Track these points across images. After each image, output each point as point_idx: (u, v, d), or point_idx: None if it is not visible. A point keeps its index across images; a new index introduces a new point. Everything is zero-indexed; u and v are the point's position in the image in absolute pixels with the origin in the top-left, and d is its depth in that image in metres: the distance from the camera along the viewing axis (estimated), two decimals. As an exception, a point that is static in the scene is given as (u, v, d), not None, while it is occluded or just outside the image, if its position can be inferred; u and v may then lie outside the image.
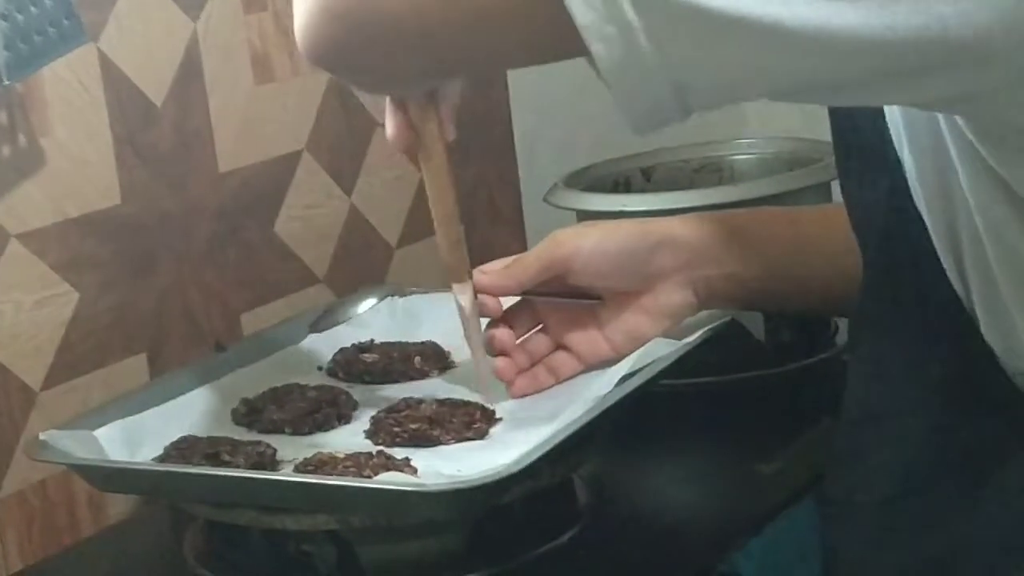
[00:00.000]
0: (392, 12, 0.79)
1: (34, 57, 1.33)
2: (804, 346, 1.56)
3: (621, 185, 1.70)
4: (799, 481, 1.33)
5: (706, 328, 1.34)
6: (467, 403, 1.30)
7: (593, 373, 1.30)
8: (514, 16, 0.77)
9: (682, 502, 1.35)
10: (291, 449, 1.25)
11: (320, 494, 1.15)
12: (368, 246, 1.74)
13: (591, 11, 0.74)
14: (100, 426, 1.26)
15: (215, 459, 1.21)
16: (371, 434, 1.28)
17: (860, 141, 0.98)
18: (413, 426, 1.26)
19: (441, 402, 1.30)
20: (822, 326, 1.61)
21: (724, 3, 0.73)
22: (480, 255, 1.86)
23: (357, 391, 1.37)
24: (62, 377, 1.41)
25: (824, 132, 1.07)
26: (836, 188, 1.12)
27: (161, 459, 1.24)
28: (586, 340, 1.28)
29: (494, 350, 1.29)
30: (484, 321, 1.31)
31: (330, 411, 1.32)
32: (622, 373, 1.26)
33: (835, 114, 1.01)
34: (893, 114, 0.94)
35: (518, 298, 1.32)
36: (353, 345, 1.45)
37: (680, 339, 1.31)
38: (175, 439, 1.26)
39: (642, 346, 1.27)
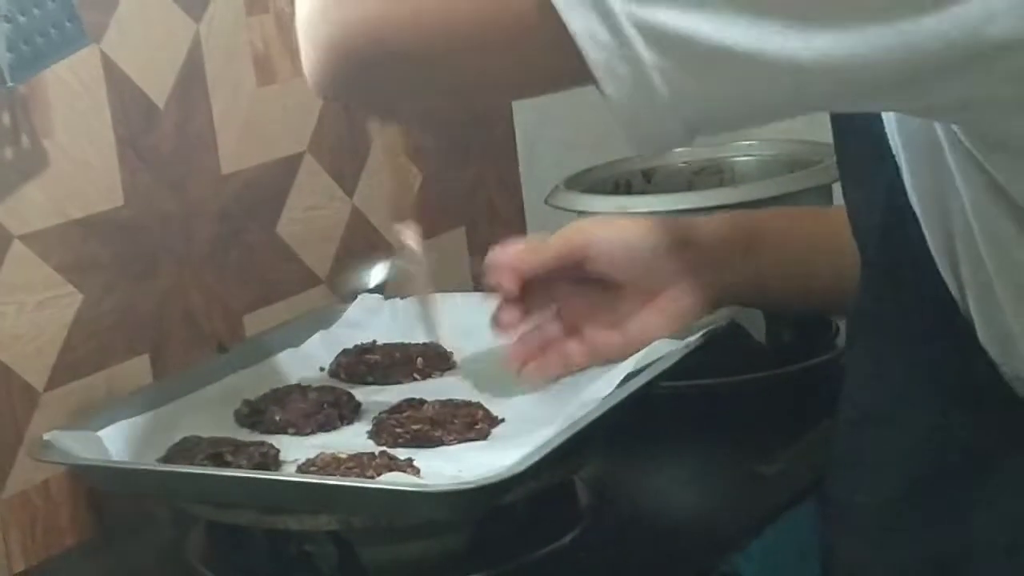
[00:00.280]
0: (398, 48, 0.78)
1: (37, 59, 1.33)
2: (804, 348, 1.56)
3: (622, 187, 1.70)
4: (800, 482, 1.33)
5: (707, 329, 1.34)
6: (469, 404, 1.30)
7: (594, 374, 1.30)
8: (518, 51, 0.76)
9: (683, 503, 1.36)
10: (293, 450, 1.25)
11: (323, 494, 1.15)
12: (370, 247, 1.74)
13: (603, 50, 0.74)
14: (103, 427, 1.26)
15: (218, 460, 1.22)
16: (373, 435, 1.28)
17: (858, 141, 0.98)
18: (415, 427, 1.26)
19: (443, 403, 1.31)
20: (822, 328, 1.61)
21: (741, 41, 0.73)
22: (481, 255, 1.87)
23: (359, 392, 1.37)
24: (65, 378, 1.41)
25: (825, 134, 1.07)
26: (837, 190, 1.13)
27: (164, 460, 1.24)
28: (600, 331, 1.26)
29: (498, 328, 1.27)
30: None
31: (332, 412, 1.32)
32: (623, 374, 1.26)
33: (835, 115, 1.01)
34: (889, 115, 0.95)
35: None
36: (355, 346, 1.46)
37: (681, 340, 1.32)
38: (178, 440, 1.26)
39: (650, 343, 1.27)
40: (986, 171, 0.85)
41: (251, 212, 1.60)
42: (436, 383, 1.40)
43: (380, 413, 1.31)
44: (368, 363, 1.43)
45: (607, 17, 0.71)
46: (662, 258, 1.24)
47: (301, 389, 1.36)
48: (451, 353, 1.45)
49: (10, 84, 1.31)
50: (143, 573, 1.37)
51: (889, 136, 0.95)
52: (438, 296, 1.33)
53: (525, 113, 1.93)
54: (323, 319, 1.51)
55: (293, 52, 1.63)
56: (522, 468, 1.11)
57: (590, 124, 1.97)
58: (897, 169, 0.95)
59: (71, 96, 1.41)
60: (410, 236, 1.26)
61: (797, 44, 0.73)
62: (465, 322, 1.49)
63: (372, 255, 1.41)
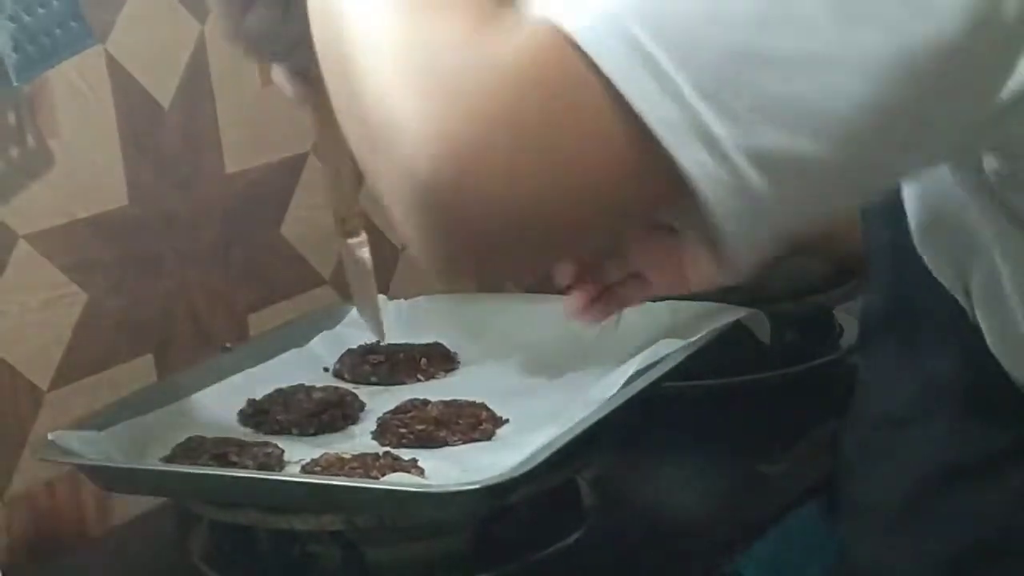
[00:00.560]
0: (519, 220, 0.70)
1: (42, 59, 1.33)
2: (808, 348, 1.56)
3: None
4: (803, 483, 1.33)
5: (711, 330, 1.34)
6: (473, 404, 1.30)
7: (598, 374, 1.30)
8: (624, 192, 0.70)
9: (686, 504, 1.36)
10: (298, 450, 1.25)
11: (327, 495, 1.15)
12: (375, 248, 1.74)
13: (715, 183, 0.68)
14: (107, 426, 1.26)
15: (222, 460, 1.22)
16: (378, 435, 1.28)
17: None
18: (419, 427, 1.26)
19: (447, 403, 1.31)
20: (826, 328, 1.61)
21: (834, 148, 0.69)
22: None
23: (363, 392, 1.37)
24: (69, 377, 1.41)
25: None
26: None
27: (168, 460, 1.24)
28: (666, 269, 1.21)
29: (561, 283, 1.23)
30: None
31: (336, 412, 1.32)
32: (628, 375, 1.26)
33: None
34: None
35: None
36: (359, 346, 1.46)
37: (685, 340, 1.32)
38: (182, 440, 1.26)
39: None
40: (1000, 194, 0.84)
41: (255, 212, 1.60)
42: (440, 383, 1.40)
43: (384, 414, 1.31)
44: (372, 363, 1.43)
45: (714, 146, 0.67)
46: None
47: (305, 389, 1.36)
48: (455, 353, 1.45)
49: (15, 84, 1.31)
50: (147, 573, 1.37)
51: None
52: (381, 296, 1.31)
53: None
54: (327, 319, 1.51)
55: (298, 52, 1.63)
56: (526, 469, 1.11)
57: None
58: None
59: (76, 96, 1.41)
60: (365, 252, 1.23)
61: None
62: (469, 322, 1.49)
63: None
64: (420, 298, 1.55)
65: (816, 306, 1.55)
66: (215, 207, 1.56)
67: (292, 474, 1.21)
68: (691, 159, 0.67)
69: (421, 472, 1.18)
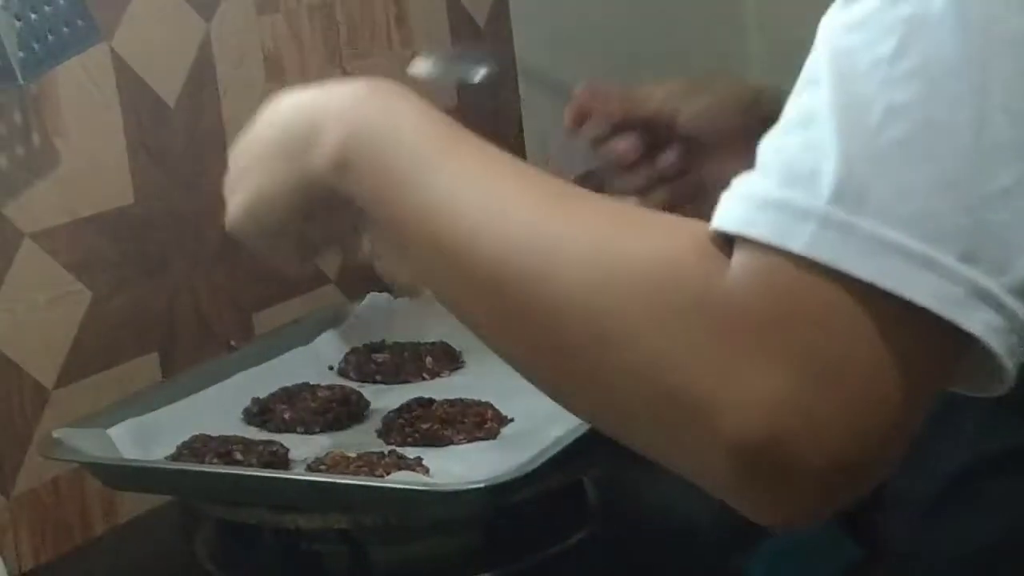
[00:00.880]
0: (833, 464, 0.65)
1: (48, 57, 1.33)
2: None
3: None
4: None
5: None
6: (478, 403, 1.30)
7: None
8: (924, 393, 0.68)
9: (691, 503, 1.35)
10: (303, 448, 1.25)
11: (332, 493, 1.15)
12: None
13: (1002, 338, 0.65)
14: (112, 425, 1.27)
15: (227, 458, 1.22)
16: (383, 434, 1.28)
17: None
18: (425, 426, 1.27)
19: (452, 402, 1.31)
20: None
21: None
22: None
23: (368, 391, 1.37)
24: (75, 376, 1.41)
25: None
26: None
27: (173, 458, 1.24)
28: (724, 170, 1.19)
29: (618, 163, 1.20)
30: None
31: (341, 411, 1.32)
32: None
33: None
34: None
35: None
36: (364, 345, 1.46)
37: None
38: (187, 438, 1.26)
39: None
40: None
41: (261, 211, 1.60)
42: (445, 382, 1.40)
43: (389, 412, 1.31)
44: (377, 362, 1.43)
45: (989, 300, 0.64)
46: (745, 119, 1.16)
47: (310, 388, 1.36)
48: (460, 352, 1.45)
49: (21, 82, 1.31)
50: (152, 571, 1.37)
51: None
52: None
53: (535, 114, 1.93)
54: (332, 318, 1.52)
55: (303, 51, 1.63)
56: (531, 468, 1.11)
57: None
58: None
59: (82, 94, 1.42)
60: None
61: None
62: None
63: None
64: (424, 296, 1.55)
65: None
66: (220, 206, 1.55)
67: (297, 472, 1.21)
68: (977, 322, 0.65)
69: (426, 471, 1.18)
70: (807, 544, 1.29)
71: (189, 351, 1.51)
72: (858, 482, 0.67)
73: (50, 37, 1.33)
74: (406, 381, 1.41)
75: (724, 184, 0.87)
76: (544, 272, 0.70)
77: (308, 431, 1.31)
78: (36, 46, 1.32)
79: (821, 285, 0.64)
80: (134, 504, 1.42)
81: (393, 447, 1.25)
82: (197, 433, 1.27)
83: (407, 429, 1.27)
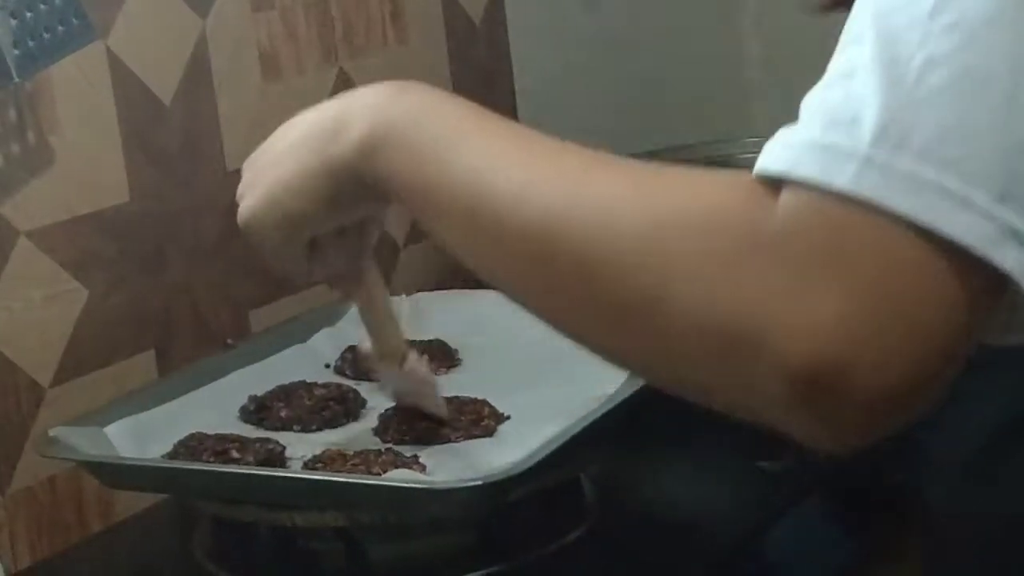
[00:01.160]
0: (889, 392, 0.69)
1: (43, 55, 1.33)
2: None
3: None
4: (805, 479, 1.33)
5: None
6: (475, 401, 1.30)
7: (600, 370, 1.29)
8: (966, 326, 0.70)
9: (689, 500, 1.35)
10: (300, 446, 1.25)
11: (329, 491, 1.15)
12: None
13: None
14: (109, 423, 1.27)
15: (224, 456, 1.22)
16: (379, 431, 1.28)
17: None
18: (421, 424, 1.26)
19: (449, 400, 1.30)
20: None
21: None
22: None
23: (365, 389, 1.37)
24: (71, 374, 1.41)
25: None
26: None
27: (170, 456, 1.24)
28: None
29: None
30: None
31: (338, 408, 1.32)
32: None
33: None
34: None
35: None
36: (361, 343, 1.45)
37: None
38: (184, 436, 1.26)
39: None
40: None
41: (257, 208, 1.60)
42: (442, 380, 1.40)
43: (386, 410, 1.31)
44: (374, 360, 1.43)
45: (1021, 238, 0.67)
46: None
47: (307, 386, 1.36)
48: (456, 350, 1.45)
49: (16, 80, 1.31)
50: (149, 570, 1.37)
51: None
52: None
53: (530, 112, 1.93)
54: (329, 316, 1.51)
55: (298, 48, 1.63)
56: (528, 465, 1.11)
57: (592, 127, 1.98)
58: None
59: (77, 92, 1.41)
60: (413, 362, 1.25)
61: None
62: (470, 318, 1.49)
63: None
64: (420, 294, 1.55)
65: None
66: (216, 203, 1.56)
67: (294, 470, 1.21)
68: (1010, 259, 0.67)
69: (423, 468, 1.18)
70: (806, 543, 1.29)
71: (186, 349, 1.51)
72: (905, 409, 0.70)
73: (45, 35, 1.33)
74: (403, 379, 1.41)
75: None
76: (596, 230, 0.73)
77: (305, 429, 1.30)
78: (31, 44, 1.32)
79: (867, 221, 0.67)
80: (131, 502, 1.42)
81: (390, 445, 1.25)
82: (194, 431, 1.27)
83: (404, 427, 1.27)
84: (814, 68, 0.75)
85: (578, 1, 1.97)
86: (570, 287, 0.75)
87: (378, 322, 1.22)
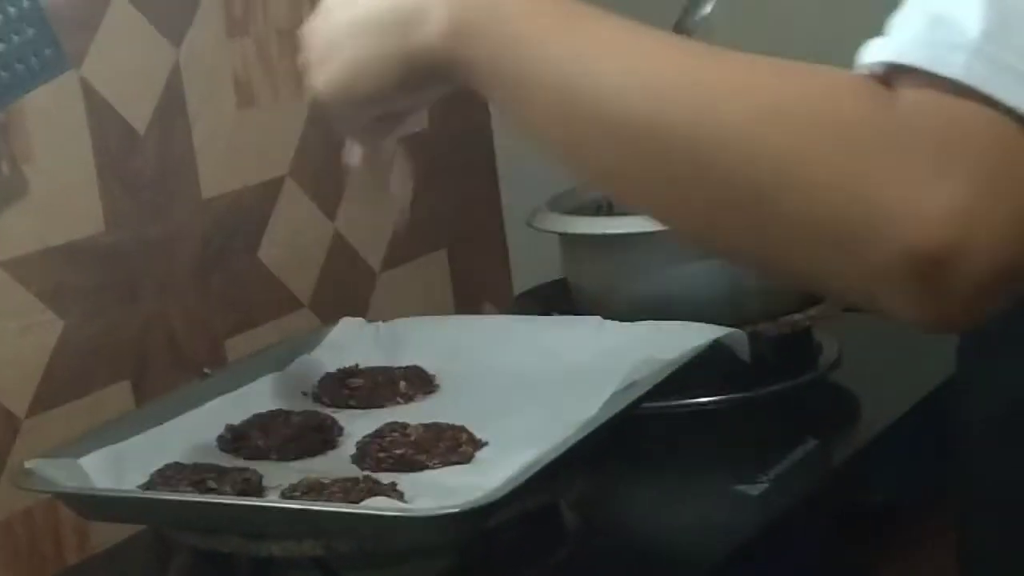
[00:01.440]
0: (1001, 271, 0.73)
1: (16, 85, 1.33)
2: (788, 367, 1.56)
3: (604, 208, 1.70)
4: (785, 503, 1.33)
5: (690, 349, 1.34)
6: (453, 427, 1.30)
7: (578, 395, 1.30)
8: None
9: (667, 524, 1.35)
10: (277, 475, 1.25)
11: (307, 520, 1.15)
12: (352, 271, 1.74)
13: None
14: (85, 454, 1.26)
15: (201, 486, 1.21)
16: (357, 459, 1.28)
17: None
18: (399, 451, 1.26)
19: (427, 426, 1.30)
20: (806, 347, 1.61)
21: None
22: (463, 277, 1.87)
23: (342, 416, 1.37)
24: (46, 405, 1.40)
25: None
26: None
27: (147, 486, 1.23)
28: None
29: None
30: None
31: (315, 437, 1.32)
32: (607, 395, 1.26)
33: None
34: None
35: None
36: (338, 370, 1.45)
37: (664, 359, 1.32)
38: (160, 466, 1.26)
39: None
40: None
41: (233, 236, 1.60)
42: (419, 406, 1.40)
43: (363, 437, 1.30)
44: (351, 387, 1.42)
45: None
46: None
47: (284, 414, 1.35)
48: (434, 376, 1.45)
49: (-11, 111, 1.31)
50: (126, 601, 1.36)
51: None
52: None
53: (506, 134, 1.93)
54: (305, 343, 1.51)
55: (273, 75, 1.63)
56: (506, 492, 1.11)
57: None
58: None
59: (51, 122, 1.41)
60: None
61: None
62: (448, 344, 1.49)
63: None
64: (397, 321, 1.55)
65: (795, 324, 1.55)
66: (192, 232, 1.55)
67: (271, 500, 1.20)
68: None
69: (401, 496, 1.18)
70: (787, 565, 1.29)
71: (162, 379, 1.50)
72: (1010, 291, 0.73)
73: (18, 66, 1.32)
74: (380, 406, 1.40)
75: None
76: (709, 117, 0.74)
77: (282, 458, 1.30)
78: (5, 75, 1.32)
79: (980, 112, 0.70)
80: (108, 534, 1.41)
81: (367, 472, 1.24)
82: (170, 461, 1.26)
83: (381, 454, 1.26)
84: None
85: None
86: (680, 176, 0.75)
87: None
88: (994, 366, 1.08)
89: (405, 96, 0.96)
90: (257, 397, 1.40)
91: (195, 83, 1.55)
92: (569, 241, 1.62)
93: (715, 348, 1.36)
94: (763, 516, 1.31)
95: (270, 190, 1.64)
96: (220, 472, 1.23)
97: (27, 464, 1.23)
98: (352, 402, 1.41)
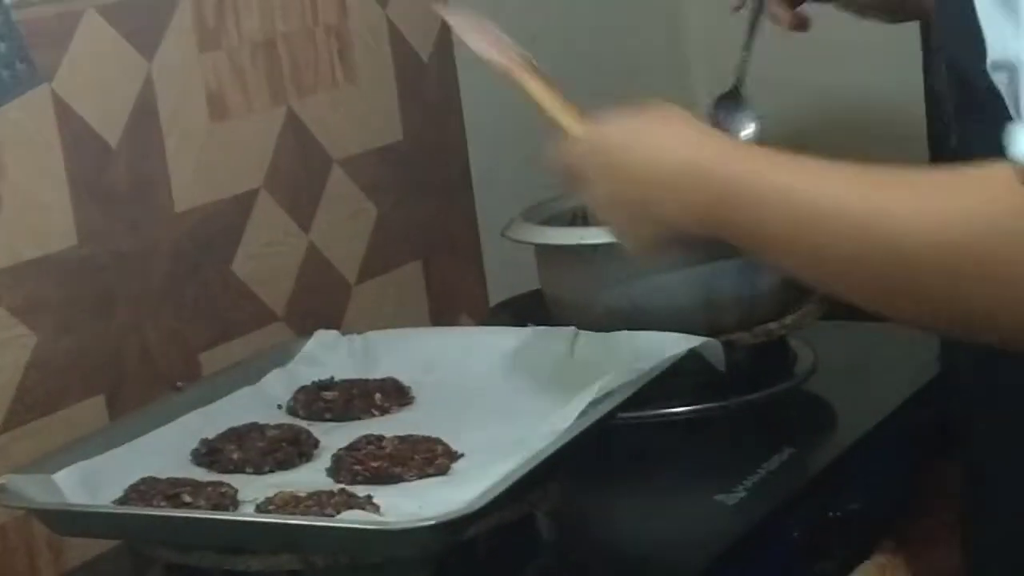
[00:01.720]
0: None
1: (-12, 100, 1.32)
2: (763, 376, 1.56)
3: (579, 218, 1.70)
4: (760, 512, 1.33)
5: (666, 358, 1.34)
6: (428, 439, 1.30)
7: (553, 405, 1.30)
8: None
9: (643, 535, 1.35)
10: (252, 489, 1.24)
11: (282, 534, 1.14)
12: (327, 283, 1.74)
13: None
14: (59, 469, 1.25)
15: (176, 500, 1.21)
16: (333, 472, 1.28)
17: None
18: (375, 463, 1.26)
19: (402, 438, 1.30)
20: (781, 356, 1.61)
21: None
22: (439, 289, 1.87)
23: (318, 429, 1.37)
24: (20, 420, 1.39)
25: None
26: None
27: (121, 501, 1.23)
28: None
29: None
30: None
31: (291, 449, 1.32)
32: (583, 406, 1.26)
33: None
34: None
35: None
36: (313, 383, 1.45)
37: (640, 369, 1.32)
38: (135, 481, 1.25)
39: None
40: None
41: (206, 250, 1.59)
42: (395, 418, 1.40)
43: (339, 450, 1.30)
44: (326, 399, 1.42)
45: None
46: None
47: (259, 427, 1.35)
48: (409, 388, 1.45)
49: (-39, 125, 1.30)
50: (102, 616, 1.35)
51: None
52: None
53: (480, 146, 1.94)
54: (280, 356, 1.51)
55: (246, 88, 1.63)
56: (483, 503, 1.11)
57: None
58: None
59: (23, 136, 1.41)
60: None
61: None
62: (423, 356, 1.49)
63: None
64: (373, 333, 1.54)
65: (770, 334, 1.55)
66: (165, 246, 1.55)
67: (246, 514, 1.20)
68: None
69: (376, 509, 1.18)
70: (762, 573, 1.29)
71: (136, 393, 1.50)
72: None
73: (-11, 80, 1.32)
74: (356, 418, 1.40)
75: None
76: (901, 236, 0.91)
77: (257, 471, 1.30)
78: (-24, 90, 1.31)
79: None
80: (83, 549, 1.41)
81: (343, 485, 1.24)
82: (145, 476, 1.26)
83: (357, 467, 1.26)
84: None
85: (527, 33, 1.97)
86: (890, 280, 0.93)
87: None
88: (983, 362, 1.12)
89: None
90: (232, 410, 1.40)
91: (168, 96, 1.55)
92: (544, 252, 1.62)
93: (691, 358, 1.36)
94: (740, 525, 1.31)
95: (244, 203, 1.64)
96: (195, 486, 1.23)
97: (1, 480, 1.22)
98: (327, 415, 1.41)
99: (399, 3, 1.81)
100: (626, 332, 1.42)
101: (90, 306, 1.47)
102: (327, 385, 1.44)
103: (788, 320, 1.56)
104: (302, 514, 1.16)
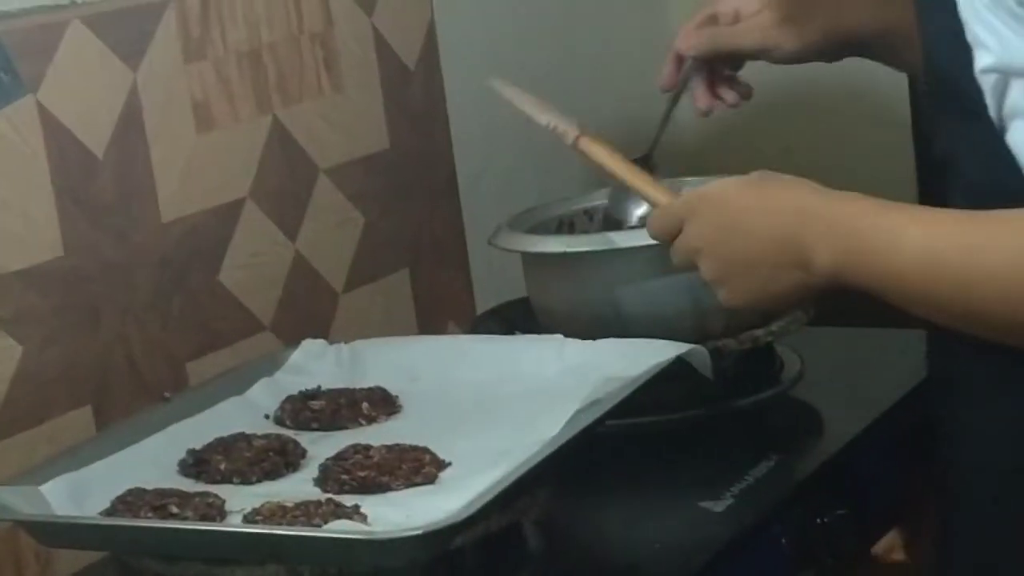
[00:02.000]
0: None
1: (-27, 111, 1.32)
2: (750, 383, 1.56)
3: (565, 226, 1.70)
4: (748, 519, 1.33)
5: (653, 366, 1.34)
6: (416, 448, 1.30)
7: (540, 414, 1.30)
8: None
9: (631, 542, 1.35)
10: (239, 499, 1.24)
11: (269, 544, 1.14)
12: (314, 292, 1.74)
13: None
14: (46, 481, 1.25)
15: (163, 511, 1.21)
16: (320, 482, 1.28)
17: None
18: (362, 473, 1.26)
19: (390, 448, 1.30)
20: (768, 363, 1.62)
21: None
22: (425, 297, 1.86)
23: (305, 439, 1.37)
24: (6, 432, 1.39)
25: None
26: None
27: (108, 513, 1.23)
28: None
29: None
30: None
31: (278, 459, 1.31)
32: (570, 414, 1.26)
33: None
34: None
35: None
36: (300, 392, 1.45)
37: (626, 377, 1.32)
38: (122, 492, 1.25)
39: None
40: None
41: (193, 259, 1.59)
42: (382, 428, 1.40)
43: (326, 460, 1.30)
44: (313, 409, 1.42)
45: None
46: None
47: (246, 437, 1.35)
48: (397, 397, 1.45)
49: (-55, 137, 1.30)
50: (89, 628, 1.35)
51: None
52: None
53: (467, 154, 1.94)
54: (267, 366, 1.51)
55: (232, 98, 1.63)
56: (470, 512, 1.11)
57: (532, 165, 1.98)
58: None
59: (8, 147, 1.40)
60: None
61: None
62: (410, 365, 1.49)
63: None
64: (360, 342, 1.54)
65: (757, 340, 1.55)
66: (152, 256, 1.55)
67: (234, 524, 1.20)
68: None
69: (364, 518, 1.18)
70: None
71: (123, 403, 1.50)
72: None
73: (-26, 92, 1.32)
74: (343, 427, 1.40)
75: None
76: (1006, 277, 1.02)
77: (245, 481, 1.29)
78: (-40, 101, 1.31)
79: None
80: (71, 561, 1.41)
81: (330, 495, 1.24)
82: (132, 487, 1.26)
83: (344, 476, 1.26)
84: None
85: (513, 46, 1.97)
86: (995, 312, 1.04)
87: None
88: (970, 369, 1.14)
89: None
90: (219, 420, 1.39)
91: (153, 107, 1.54)
92: (531, 260, 1.62)
93: (678, 365, 1.37)
94: (727, 532, 1.31)
95: (230, 212, 1.64)
96: (182, 497, 1.23)
97: (-13, 492, 1.22)
98: (315, 424, 1.41)
99: (385, 12, 1.81)
100: (613, 340, 1.42)
101: (77, 317, 1.47)
102: (314, 394, 1.44)
103: (774, 326, 1.56)
104: (289, 524, 1.16)
